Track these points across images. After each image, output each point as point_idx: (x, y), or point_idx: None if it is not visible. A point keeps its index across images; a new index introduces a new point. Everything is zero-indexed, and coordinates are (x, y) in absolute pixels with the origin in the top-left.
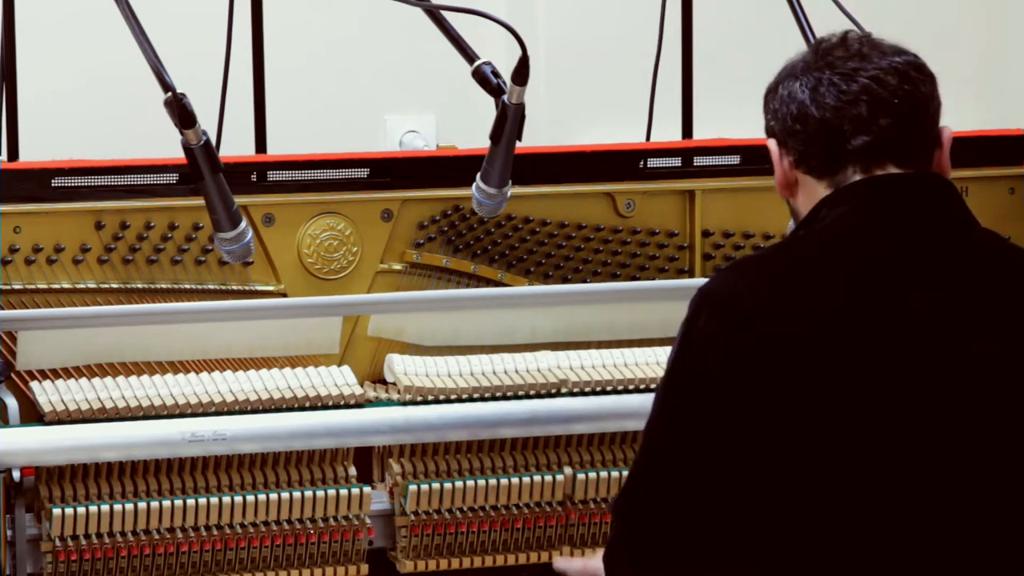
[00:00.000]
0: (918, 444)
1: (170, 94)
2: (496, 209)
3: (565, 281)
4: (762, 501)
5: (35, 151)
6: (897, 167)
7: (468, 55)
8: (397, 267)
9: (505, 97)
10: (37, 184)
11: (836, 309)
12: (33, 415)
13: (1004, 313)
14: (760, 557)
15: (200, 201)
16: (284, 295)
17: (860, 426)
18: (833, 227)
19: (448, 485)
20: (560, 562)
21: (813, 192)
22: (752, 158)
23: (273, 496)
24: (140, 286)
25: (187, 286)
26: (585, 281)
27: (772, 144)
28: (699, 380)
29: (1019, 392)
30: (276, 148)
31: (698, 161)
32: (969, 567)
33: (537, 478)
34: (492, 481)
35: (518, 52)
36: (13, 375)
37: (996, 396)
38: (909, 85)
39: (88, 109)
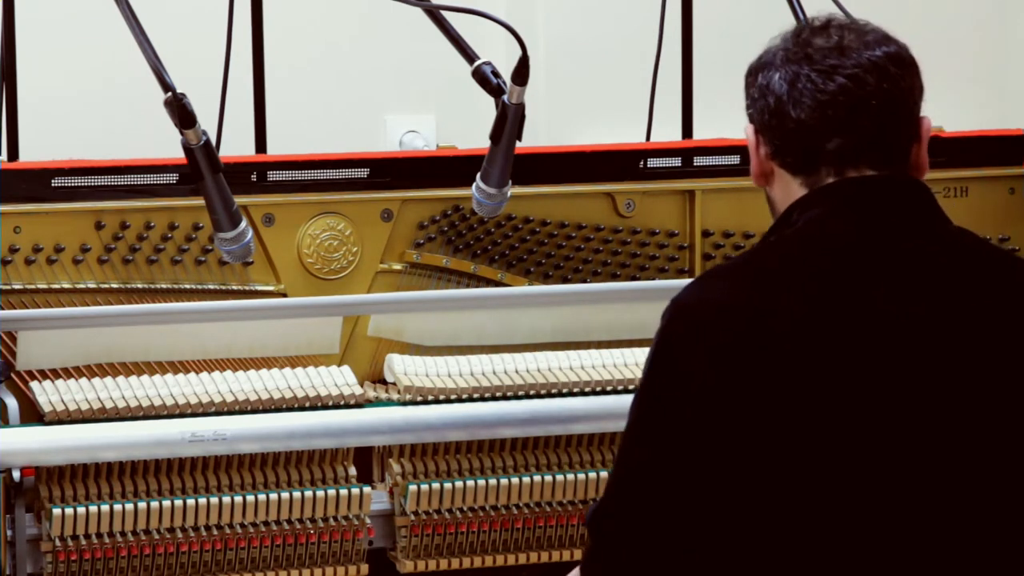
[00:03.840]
0: (902, 451)
1: (170, 94)
2: (496, 209)
3: (565, 281)
4: (743, 511)
5: (35, 151)
6: (872, 168)
7: (468, 55)
8: (397, 267)
9: (505, 97)
10: (37, 184)
11: (810, 314)
12: (33, 415)
13: (981, 311)
14: (741, 571)
15: (200, 201)
16: (284, 295)
17: (841, 433)
18: (804, 231)
19: (448, 485)
20: None
21: (788, 186)
22: None
23: (273, 496)
24: (140, 286)
25: (187, 286)
26: (585, 281)
27: (750, 130)
28: (676, 390)
29: (1000, 394)
30: (276, 148)
31: (698, 161)
32: (941, 571)
33: (537, 478)
34: (492, 481)
35: (518, 52)
36: (13, 375)
37: (976, 399)
38: (888, 83)
39: (88, 109)
